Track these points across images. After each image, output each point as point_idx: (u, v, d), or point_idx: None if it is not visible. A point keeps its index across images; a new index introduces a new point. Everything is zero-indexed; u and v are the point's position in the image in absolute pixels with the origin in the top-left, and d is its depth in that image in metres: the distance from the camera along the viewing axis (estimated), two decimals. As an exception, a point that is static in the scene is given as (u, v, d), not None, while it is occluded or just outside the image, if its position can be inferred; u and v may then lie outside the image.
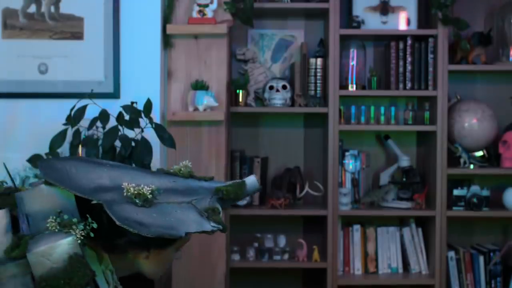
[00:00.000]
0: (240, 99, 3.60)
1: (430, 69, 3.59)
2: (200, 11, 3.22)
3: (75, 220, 1.60)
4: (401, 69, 3.61)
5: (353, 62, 3.68)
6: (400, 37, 3.62)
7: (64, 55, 3.10)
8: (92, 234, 1.60)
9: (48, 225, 1.60)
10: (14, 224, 1.65)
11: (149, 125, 2.82)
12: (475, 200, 3.56)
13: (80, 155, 2.89)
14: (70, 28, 3.10)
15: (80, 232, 1.57)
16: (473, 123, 3.61)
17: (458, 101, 3.71)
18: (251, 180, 1.87)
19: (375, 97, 3.71)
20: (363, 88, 3.70)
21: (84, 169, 1.76)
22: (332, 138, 3.53)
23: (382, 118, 3.67)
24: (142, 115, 2.83)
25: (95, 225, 1.61)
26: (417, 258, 3.67)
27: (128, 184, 1.67)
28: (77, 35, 3.11)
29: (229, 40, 3.35)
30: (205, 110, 3.18)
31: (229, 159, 3.44)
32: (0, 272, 1.58)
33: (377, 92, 3.66)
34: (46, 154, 2.99)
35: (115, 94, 3.09)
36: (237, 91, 3.60)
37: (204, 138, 3.26)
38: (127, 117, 2.83)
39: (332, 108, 3.53)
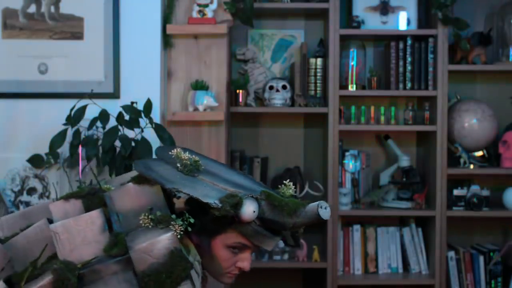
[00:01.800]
0: (240, 99, 3.60)
1: (430, 69, 3.59)
2: (200, 11, 3.22)
3: (173, 216, 1.64)
4: (401, 69, 3.61)
5: (353, 62, 3.68)
6: (400, 37, 3.62)
7: (64, 55, 3.10)
8: (189, 229, 1.66)
9: (141, 221, 1.64)
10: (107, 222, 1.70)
11: (149, 125, 2.83)
12: (475, 200, 3.56)
13: (80, 155, 2.89)
14: (70, 28, 3.10)
15: (180, 227, 1.62)
16: (473, 123, 3.61)
17: (458, 101, 3.71)
18: (314, 206, 1.69)
19: (375, 97, 3.71)
20: (363, 88, 3.70)
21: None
22: (332, 138, 3.53)
23: (382, 118, 3.67)
24: (142, 115, 2.83)
25: (192, 220, 1.66)
26: (417, 258, 3.67)
27: (176, 149, 1.77)
28: (77, 35, 3.11)
29: (229, 40, 3.35)
30: (205, 110, 3.18)
31: (229, 159, 3.44)
32: (101, 270, 1.61)
33: (377, 92, 3.66)
34: (46, 154, 2.99)
35: (115, 94, 3.09)
36: (237, 91, 3.60)
37: (204, 138, 3.26)
38: (127, 117, 2.83)
39: (332, 108, 3.53)
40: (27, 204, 3.06)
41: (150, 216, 1.65)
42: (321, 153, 3.75)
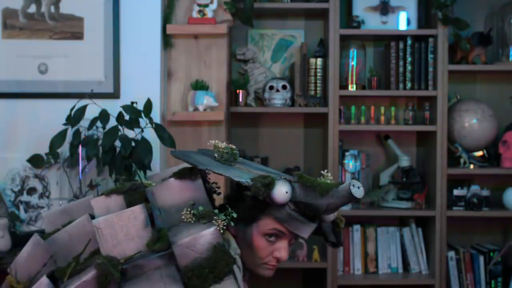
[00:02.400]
0: (240, 99, 3.60)
1: (430, 69, 3.59)
2: (200, 11, 3.22)
3: (216, 211, 1.64)
4: (401, 69, 3.61)
5: (353, 62, 3.68)
6: (400, 37, 3.62)
7: (64, 55, 3.10)
8: (232, 224, 1.65)
9: (183, 217, 1.64)
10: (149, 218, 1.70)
11: (149, 125, 2.83)
12: (475, 200, 3.56)
13: (80, 155, 2.89)
14: (70, 28, 3.10)
15: (222, 222, 1.62)
16: (473, 123, 3.61)
17: (458, 101, 3.71)
18: (346, 186, 1.65)
19: (375, 97, 3.71)
20: (363, 88, 3.70)
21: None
22: (332, 138, 3.53)
23: (382, 118, 3.67)
24: (142, 115, 2.83)
25: (235, 215, 1.65)
26: (417, 258, 3.67)
27: (214, 140, 1.79)
28: (77, 35, 3.11)
29: (229, 40, 3.35)
30: (205, 110, 3.18)
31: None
32: (144, 265, 1.62)
33: (377, 92, 3.66)
34: (46, 154, 2.99)
35: (115, 94, 3.09)
36: (237, 91, 3.60)
37: (204, 138, 3.26)
38: (127, 117, 2.83)
39: (332, 108, 3.53)
40: (27, 204, 3.06)
41: (192, 211, 1.65)
42: (321, 153, 3.75)
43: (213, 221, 1.62)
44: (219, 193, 1.83)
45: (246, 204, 1.69)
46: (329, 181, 1.70)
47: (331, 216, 1.84)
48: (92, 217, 1.73)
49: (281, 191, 1.65)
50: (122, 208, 1.72)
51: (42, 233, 2.91)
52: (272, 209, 1.69)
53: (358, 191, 1.64)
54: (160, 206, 1.69)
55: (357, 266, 3.67)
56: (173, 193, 1.70)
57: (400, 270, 3.68)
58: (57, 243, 1.75)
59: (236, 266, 1.63)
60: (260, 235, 1.75)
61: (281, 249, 1.76)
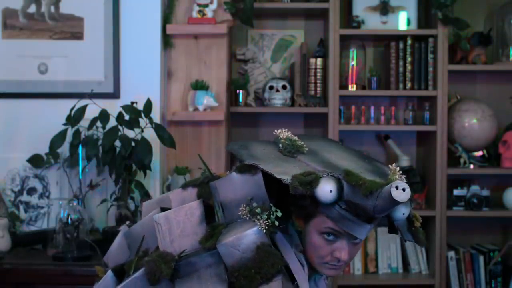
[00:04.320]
0: (240, 99, 3.60)
1: (430, 69, 3.59)
2: (200, 11, 3.22)
3: (258, 210, 1.56)
4: (401, 69, 3.61)
5: (353, 62, 3.68)
6: (400, 37, 3.62)
7: (64, 55, 3.11)
8: (277, 223, 1.56)
9: (240, 213, 1.58)
10: (212, 213, 1.65)
11: (149, 125, 2.83)
12: (475, 200, 3.56)
13: (80, 155, 2.89)
14: (70, 28, 3.10)
15: (264, 221, 1.54)
16: (473, 123, 3.61)
17: (458, 101, 3.71)
18: (387, 187, 1.47)
19: (375, 97, 3.71)
20: (363, 88, 3.70)
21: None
22: (332, 138, 3.53)
23: (382, 118, 3.67)
24: (142, 115, 2.83)
25: (279, 214, 1.56)
26: (417, 258, 3.67)
27: (282, 130, 1.66)
28: (77, 35, 3.11)
29: (229, 40, 3.35)
30: (205, 110, 3.18)
31: (229, 159, 3.44)
32: (197, 263, 1.58)
33: (377, 92, 3.66)
34: (46, 154, 2.99)
35: (115, 94, 3.09)
36: (237, 91, 3.60)
37: (204, 138, 3.26)
38: (127, 117, 2.83)
39: (332, 108, 3.53)
40: (27, 204, 3.06)
41: (247, 208, 1.58)
42: (321, 153, 3.74)
43: (255, 221, 1.55)
44: (293, 192, 1.63)
45: (306, 201, 1.56)
46: (379, 180, 1.52)
47: (400, 215, 1.63)
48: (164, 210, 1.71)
49: (325, 189, 1.52)
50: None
51: (42, 233, 2.91)
52: (323, 207, 1.57)
53: (402, 194, 1.45)
54: (221, 201, 1.63)
55: (357, 266, 3.67)
56: (234, 187, 1.62)
57: (400, 270, 3.68)
58: (132, 236, 1.74)
59: (297, 262, 1.57)
60: (317, 233, 1.62)
61: (341, 249, 1.62)
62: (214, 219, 1.64)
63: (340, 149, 1.75)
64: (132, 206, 2.92)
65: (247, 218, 1.57)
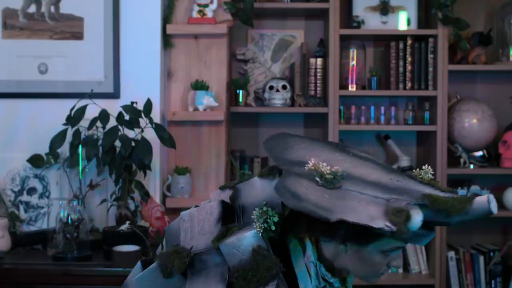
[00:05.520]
0: (240, 99, 3.60)
1: (430, 69, 3.59)
2: (200, 11, 3.22)
3: (256, 213, 1.58)
4: (401, 69, 3.61)
5: (353, 62, 3.68)
6: (400, 37, 3.62)
7: (64, 55, 3.11)
8: (273, 228, 1.57)
9: (253, 216, 1.60)
10: (234, 215, 1.69)
11: (149, 125, 2.83)
12: (475, 200, 3.55)
13: (80, 155, 2.89)
14: (70, 28, 3.10)
15: (260, 225, 1.57)
16: (473, 123, 3.61)
17: (458, 101, 3.71)
18: (481, 201, 1.49)
19: (375, 97, 3.71)
20: (363, 88, 3.70)
21: (301, 145, 1.74)
22: (332, 138, 3.53)
23: (382, 118, 3.67)
24: (142, 115, 2.83)
25: (275, 219, 1.57)
26: (417, 258, 3.67)
27: (314, 160, 1.57)
28: (77, 35, 3.11)
29: (229, 40, 3.35)
30: (205, 110, 3.18)
31: (229, 159, 3.44)
32: (207, 261, 1.63)
33: (377, 92, 3.66)
34: (46, 154, 2.99)
35: (115, 94, 3.09)
36: (237, 91, 3.60)
37: (204, 138, 3.27)
38: (127, 117, 2.83)
39: (332, 108, 3.53)
40: (27, 204, 3.06)
41: (257, 211, 1.61)
42: (321, 153, 3.74)
43: (253, 224, 1.57)
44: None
45: (363, 228, 1.49)
46: (455, 196, 1.53)
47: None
48: None
49: (417, 221, 1.48)
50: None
51: (42, 233, 2.91)
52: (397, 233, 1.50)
53: (495, 206, 1.49)
54: (242, 203, 1.68)
55: (357, 266, 3.66)
56: (254, 191, 1.67)
57: (400, 270, 3.68)
58: (170, 230, 1.79)
59: (305, 272, 1.59)
60: (378, 252, 1.61)
61: (397, 258, 1.64)
62: (235, 220, 1.68)
63: (355, 159, 1.69)
64: (132, 206, 2.92)
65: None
